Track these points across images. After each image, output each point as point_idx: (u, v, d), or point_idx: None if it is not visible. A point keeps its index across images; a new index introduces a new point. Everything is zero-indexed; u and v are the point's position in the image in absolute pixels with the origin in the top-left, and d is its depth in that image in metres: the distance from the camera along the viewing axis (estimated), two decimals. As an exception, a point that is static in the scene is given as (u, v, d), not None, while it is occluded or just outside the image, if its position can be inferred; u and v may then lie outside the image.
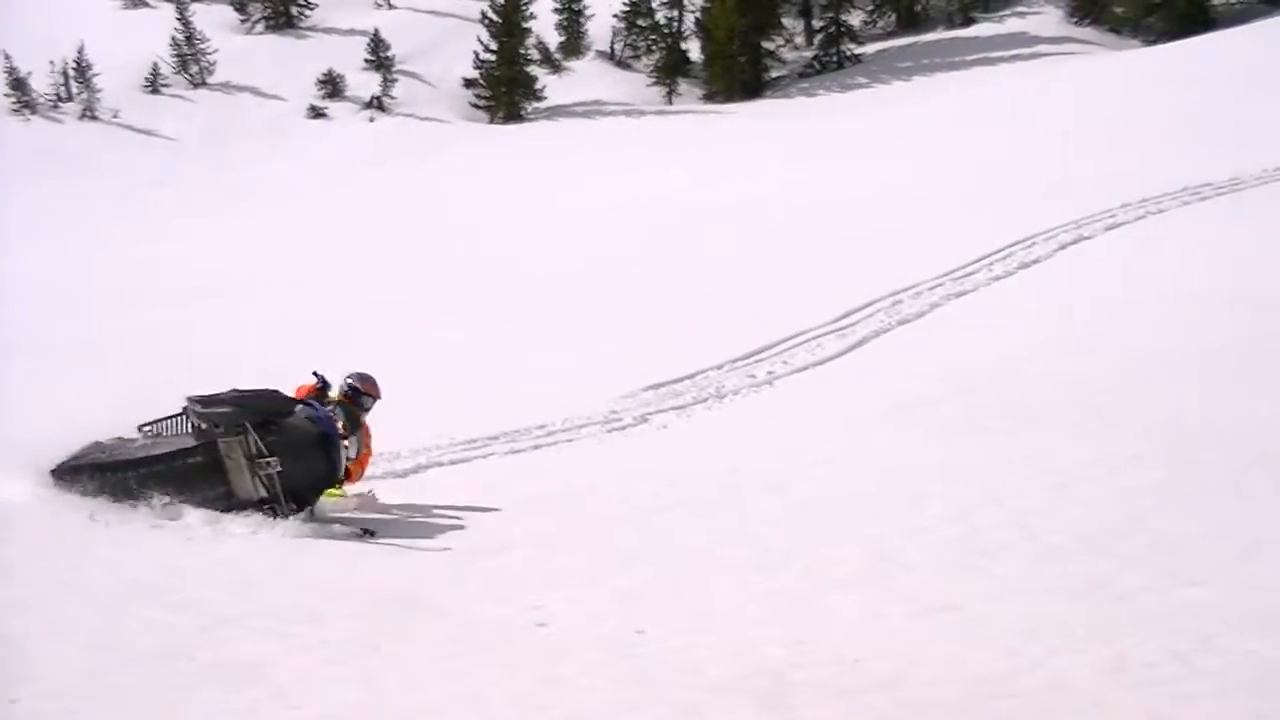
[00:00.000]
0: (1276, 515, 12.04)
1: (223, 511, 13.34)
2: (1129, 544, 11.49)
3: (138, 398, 16.06)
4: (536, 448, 18.39)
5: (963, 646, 8.47)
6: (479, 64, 71.02)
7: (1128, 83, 48.99)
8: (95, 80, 67.81)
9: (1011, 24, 71.82)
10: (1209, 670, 7.68)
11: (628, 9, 75.62)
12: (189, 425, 14.28)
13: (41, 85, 68.32)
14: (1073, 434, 16.23)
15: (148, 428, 14.68)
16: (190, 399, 14.05)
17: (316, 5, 79.56)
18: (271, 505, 13.58)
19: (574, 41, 76.96)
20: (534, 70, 72.16)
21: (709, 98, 71.25)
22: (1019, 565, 11.10)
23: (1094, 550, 11.41)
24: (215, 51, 72.78)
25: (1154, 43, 62.37)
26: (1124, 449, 15.20)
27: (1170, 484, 13.74)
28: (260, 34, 78.64)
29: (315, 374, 15.23)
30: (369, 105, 70.23)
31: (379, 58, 72.40)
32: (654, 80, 72.99)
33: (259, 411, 13.90)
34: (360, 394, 15.40)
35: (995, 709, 7.15)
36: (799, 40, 76.05)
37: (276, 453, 13.63)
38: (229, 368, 22.49)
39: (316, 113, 69.41)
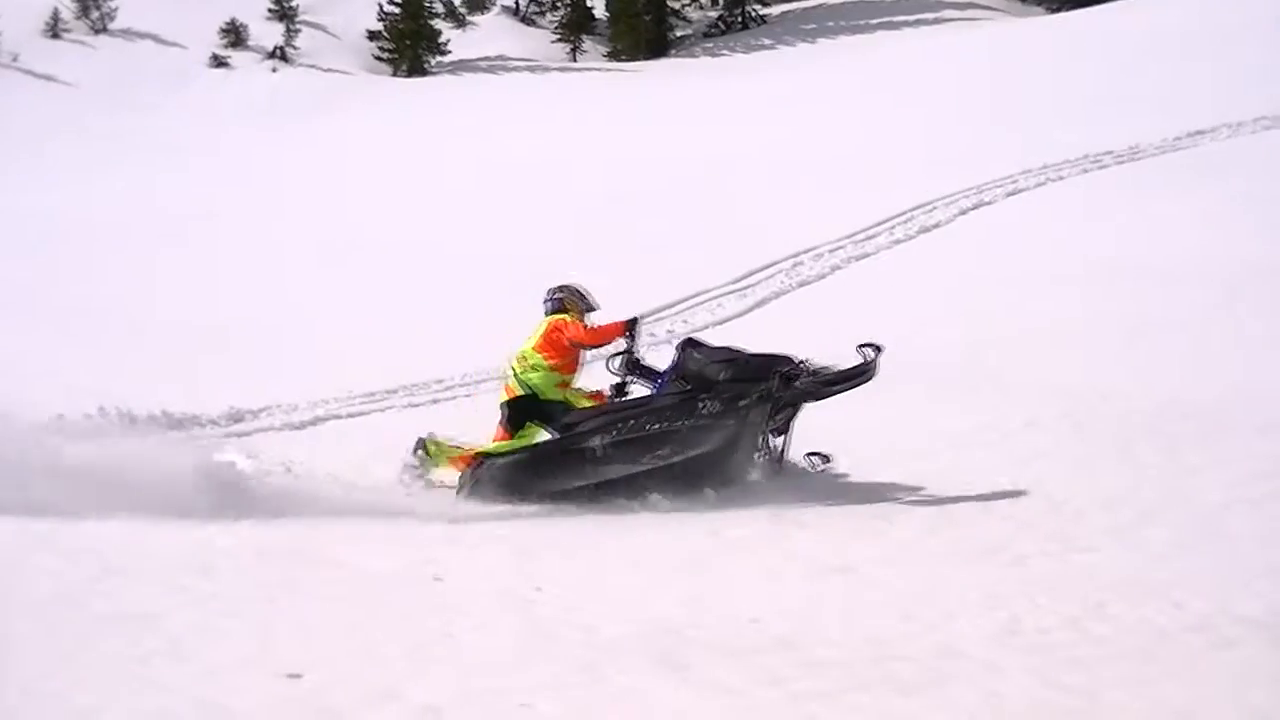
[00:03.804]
0: (1167, 484, 12.17)
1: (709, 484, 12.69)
2: (1024, 509, 11.58)
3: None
4: (435, 402, 18.39)
5: (857, 608, 8.51)
6: (383, 16, 70.63)
7: (1031, 49, 49.35)
8: (-7, 24, 66.80)
9: (917, -12, 72.24)
10: (1100, 636, 7.75)
11: (533, -35, 75.49)
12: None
13: (-63, 28, 67.00)
14: (968, 398, 16.38)
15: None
16: (783, 372, 12.89)
17: (219, -48, 78.65)
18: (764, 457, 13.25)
19: (479, -4, 76.81)
20: (438, 24, 71.87)
21: (613, 56, 71.26)
22: (914, 528, 11.15)
23: (989, 514, 11.49)
24: (117, -3, 71.91)
25: (1057, 10, 62.93)
26: (1018, 414, 15.36)
27: (1064, 450, 13.89)
28: (163, -21, 77.79)
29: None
30: (271, 55, 69.63)
31: (282, 7, 71.91)
32: (558, 37, 72.90)
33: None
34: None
35: (888, 671, 7.17)
36: (704, 0, 76.12)
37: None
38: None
39: (218, 62, 68.75)
